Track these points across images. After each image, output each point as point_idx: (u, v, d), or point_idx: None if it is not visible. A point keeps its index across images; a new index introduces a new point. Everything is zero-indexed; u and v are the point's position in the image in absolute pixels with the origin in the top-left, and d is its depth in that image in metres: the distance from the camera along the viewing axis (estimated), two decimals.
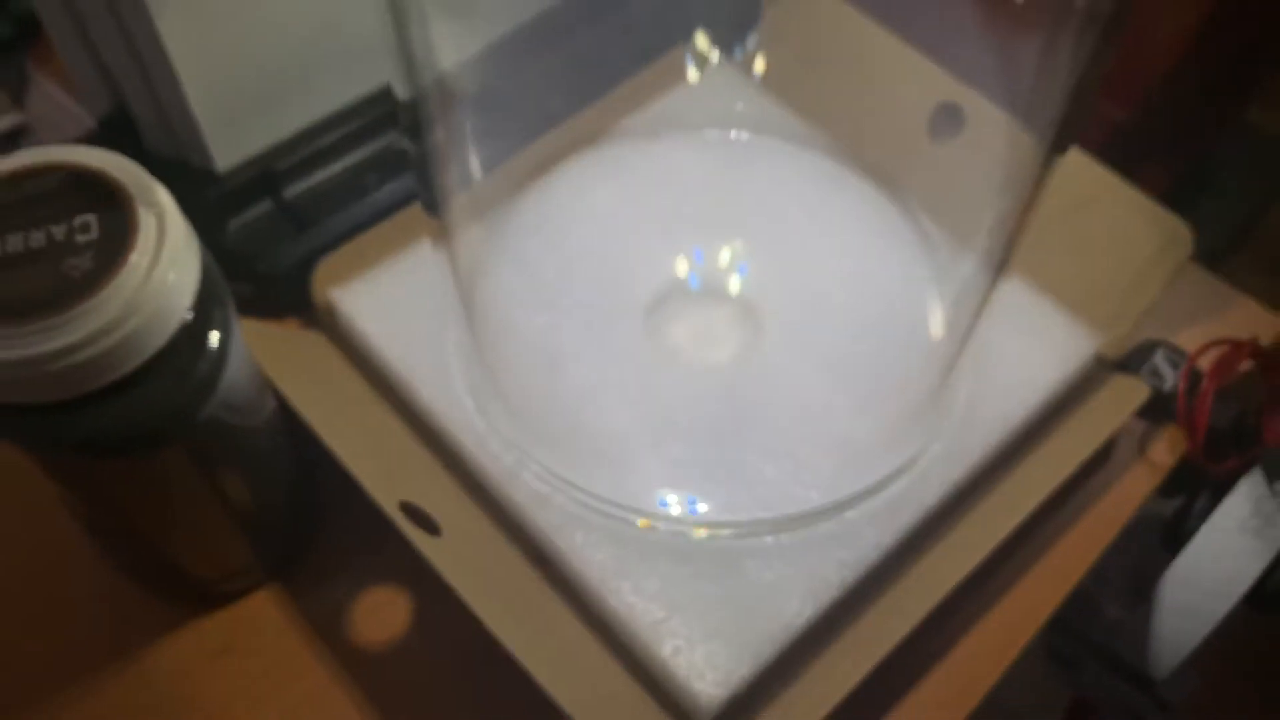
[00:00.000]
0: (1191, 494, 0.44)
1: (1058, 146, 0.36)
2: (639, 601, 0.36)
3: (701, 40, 0.50)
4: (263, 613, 0.39)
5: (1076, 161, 0.45)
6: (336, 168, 0.47)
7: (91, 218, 0.30)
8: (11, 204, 0.30)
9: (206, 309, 0.33)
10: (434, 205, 0.40)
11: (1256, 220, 0.79)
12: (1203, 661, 0.44)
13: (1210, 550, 0.43)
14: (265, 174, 0.46)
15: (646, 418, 0.40)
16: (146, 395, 0.31)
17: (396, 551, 0.39)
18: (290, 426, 0.38)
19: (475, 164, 0.43)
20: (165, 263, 0.30)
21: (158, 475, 0.33)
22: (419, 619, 0.39)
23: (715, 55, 0.50)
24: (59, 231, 0.30)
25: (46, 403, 0.30)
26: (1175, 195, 0.45)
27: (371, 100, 0.48)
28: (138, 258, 0.30)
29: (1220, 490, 0.43)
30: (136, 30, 0.40)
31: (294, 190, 0.46)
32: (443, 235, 0.40)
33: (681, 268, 0.44)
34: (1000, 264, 0.39)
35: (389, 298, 0.43)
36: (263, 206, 0.46)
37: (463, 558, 0.36)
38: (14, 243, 0.30)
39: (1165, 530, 0.44)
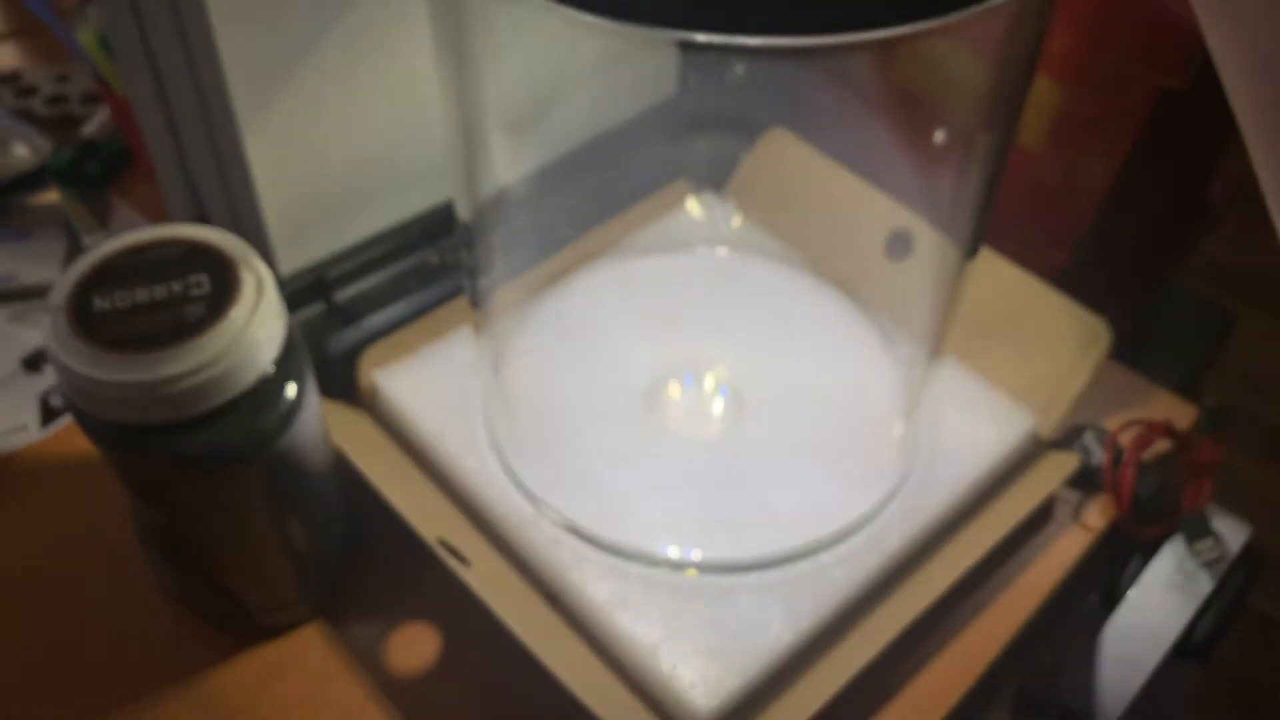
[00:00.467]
0: (1124, 557, 0.50)
1: (970, 252, 0.45)
2: (640, 627, 0.42)
3: (692, 177, 0.60)
4: (307, 643, 0.44)
5: (1012, 274, 0.53)
6: (381, 275, 0.55)
7: (205, 277, 0.38)
8: (143, 265, 0.38)
9: (288, 365, 0.39)
10: (476, 301, 0.48)
11: (1199, 377, 0.87)
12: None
13: (1142, 606, 0.48)
14: (320, 280, 0.53)
15: (646, 479, 0.47)
16: (233, 424, 0.38)
17: (427, 592, 0.45)
18: (342, 482, 0.45)
19: (509, 269, 0.51)
20: (258, 320, 0.38)
21: (233, 494, 0.39)
22: (446, 651, 0.44)
23: (704, 190, 0.59)
24: (178, 287, 0.37)
25: (160, 422, 0.36)
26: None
27: (413, 222, 0.56)
28: (238, 311, 0.37)
29: (1149, 553, 0.49)
30: (227, 155, 0.49)
31: (344, 294, 0.54)
32: (481, 325, 0.48)
33: (676, 359, 0.51)
34: (939, 350, 0.46)
35: (424, 378, 0.50)
36: (316, 306, 0.53)
37: (488, 587, 0.42)
38: (143, 294, 0.37)
39: (1103, 590, 0.50)
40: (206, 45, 0.44)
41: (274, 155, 0.49)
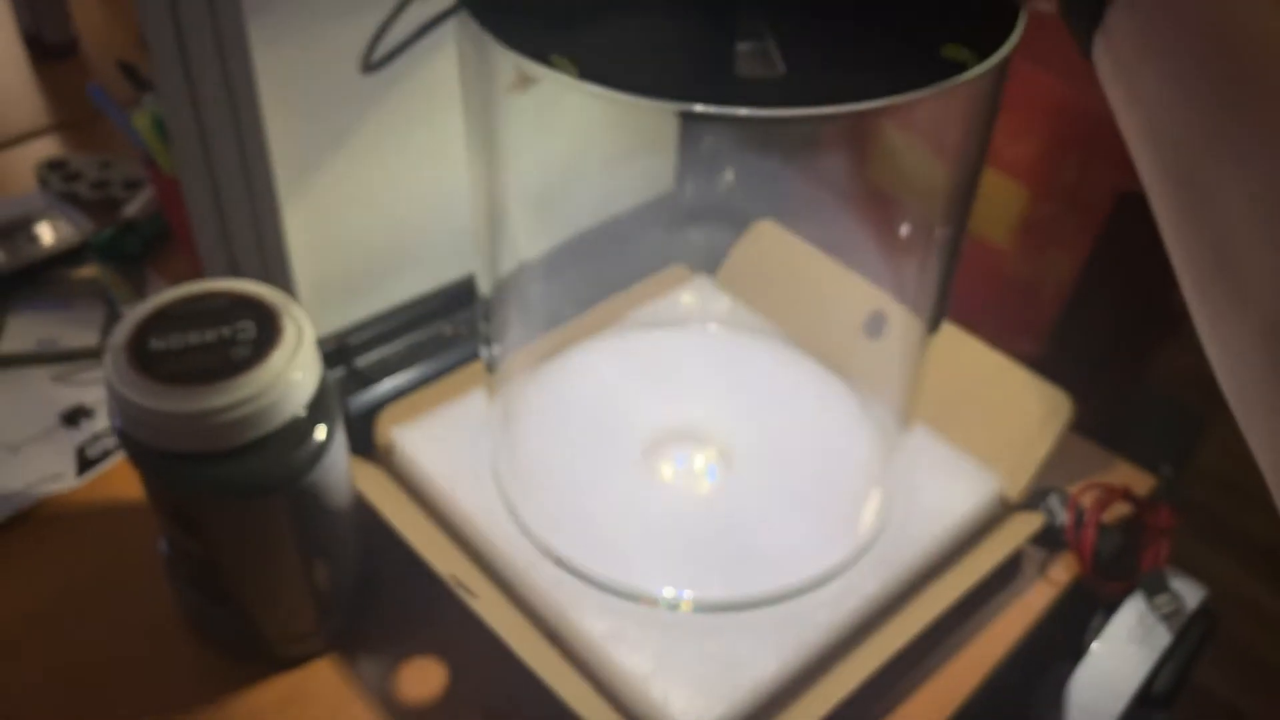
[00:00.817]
0: (1088, 613, 0.53)
1: (933, 327, 0.50)
2: (635, 659, 0.45)
3: (687, 262, 0.65)
4: (321, 674, 0.47)
5: (980, 350, 0.58)
6: (398, 344, 0.59)
7: (251, 324, 0.42)
8: (196, 312, 0.42)
9: (319, 409, 0.44)
10: (490, 365, 0.52)
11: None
12: None
13: (1105, 658, 0.52)
14: (342, 346, 0.58)
15: (643, 525, 0.50)
16: (267, 458, 0.42)
17: (435, 629, 0.49)
18: (360, 525, 0.48)
19: (521, 338, 0.56)
20: (296, 365, 0.42)
21: (263, 524, 0.43)
22: (453, 684, 0.47)
23: (698, 274, 0.64)
24: (227, 331, 0.42)
25: (204, 451, 0.40)
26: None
27: (430, 296, 0.60)
28: (279, 355, 0.41)
29: (1111, 609, 0.53)
30: (266, 231, 0.54)
31: (364, 359, 0.58)
32: (494, 387, 0.52)
33: (671, 420, 0.55)
34: (910, 416, 0.51)
35: (438, 435, 0.53)
36: (338, 370, 0.58)
37: (495, 621, 0.45)
38: (195, 337, 0.41)
39: (1070, 644, 0.53)
40: (255, 130, 0.49)
41: (309, 232, 0.53)
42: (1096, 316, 0.77)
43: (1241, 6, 0.26)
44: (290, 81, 0.48)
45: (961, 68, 0.33)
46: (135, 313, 0.42)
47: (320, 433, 0.44)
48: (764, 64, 0.33)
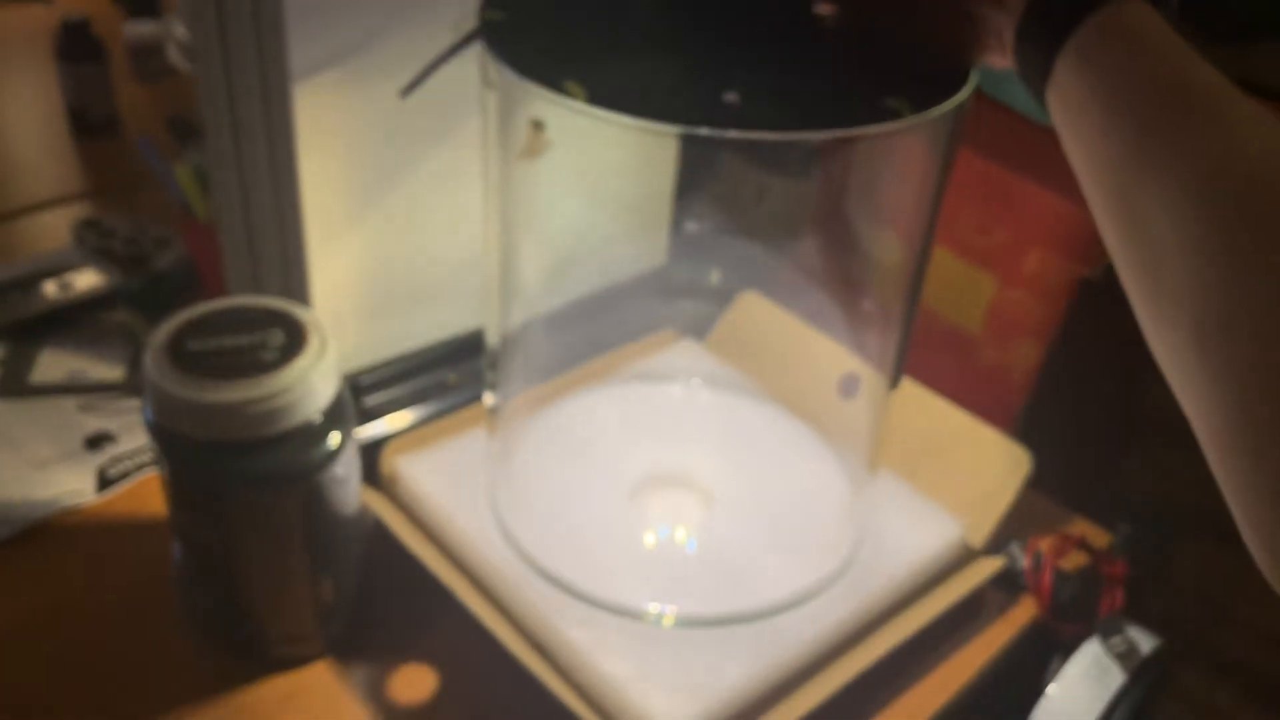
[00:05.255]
0: (1047, 656, 0.56)
1: (894, 384, 0.55)
2: (618, 666, 0.48)
3: (677, 328, 0.70)
4: (320, 675, 0.50)
5: (946, 409, 0.62)
6: (404, 388, 0.63)
7: (280, 333, 0.46)
8: (231, 321, 0.47)
9: (334, 417, 0.48)
10: (493, 408, 0.57)
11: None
12: None
13: (1062, 699, 0.54)
14: (353, 385, 0.62)
15: (629, 550, 0.54)
16: (284, 453, 0.46)
17: (427, 638, 0.51)
18: (363, 537, 0.52)
19: (523, 385, 0.60)
20: (318, 372, 0.46)
21: (276, 516, 0.46)
22: (443, 689, 0.50)
23: (686, 336, 0.69)
24: (258, 337, 0.46)
25: (229, 441, 0.44)
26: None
27: (436, 346, 0.65)
28: (303, 361, 0.46)
29: (1070, 650, 0.56)
30: (294, 276, 0.58)
31: (372, 398, 0.62)
32: (494, 427, 0.57)
33: (657, 460, 0.59)
34: (877, 464, 0.55)
35: (439, 466, 0.57)
36: None
37: (488, 626, 0.48)
38: (228, 340, 0.46)
39: (1030, 683, 0.55)
40: (291, 181, 0.55)
41: (332, 279, 0.58)
42: (1064, 407, 0.82)
43: (1162, 60, 0.32)
44: (326, 134, 0.54)
45: (898, 115, 0.39)
46: (175, 318, 0.46)
47: (334, 439, 0.47)
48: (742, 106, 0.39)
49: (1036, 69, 0.35)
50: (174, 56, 1.04)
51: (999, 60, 0.39)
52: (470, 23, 0.43)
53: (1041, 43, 0.35)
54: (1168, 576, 0.93)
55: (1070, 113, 0.34)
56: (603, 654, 0.48)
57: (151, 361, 0.45)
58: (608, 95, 0.37)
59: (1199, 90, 0.31)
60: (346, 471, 0.49)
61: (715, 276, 0.71)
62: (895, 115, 0.39)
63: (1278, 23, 0.73)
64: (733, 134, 0.36)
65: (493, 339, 0.56)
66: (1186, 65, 0.32)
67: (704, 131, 0.36)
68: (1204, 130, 0.30)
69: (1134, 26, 0.33)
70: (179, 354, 0.45)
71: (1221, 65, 0.33)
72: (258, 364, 0.45)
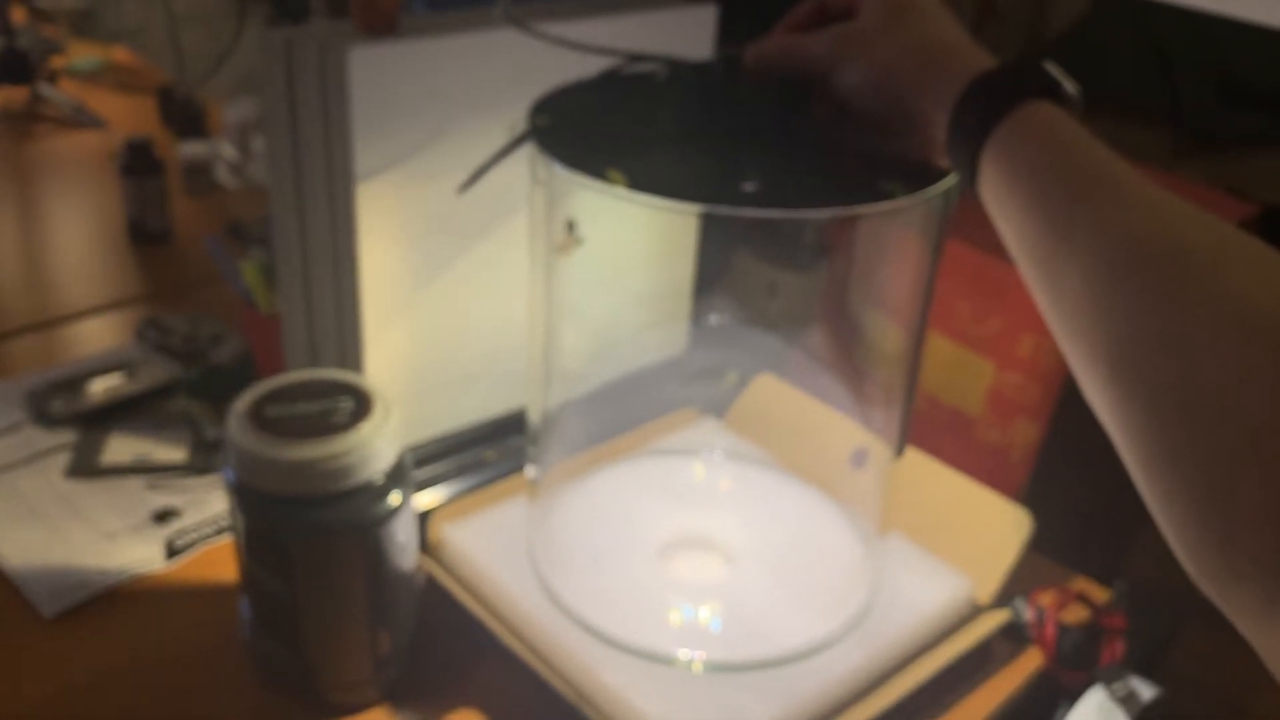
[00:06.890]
0: (1055, 700, 0.59)
1: (899, 452, 0.60)
2: (649, 706, 0.51)
3: (697, 408, 0.75)
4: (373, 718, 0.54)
5: (951, 476, 0.67)
6: (447, 463, 0.69)
7: (350, 401, 0.52)
8: (305, 390, 0.52)
9: (395, 477, 0.53)
10: (533, 478, 0.62)
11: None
12: None
13: None
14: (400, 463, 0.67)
15: (660, 603, 0.58)
16: (350, 508, 0.50)
17: (476, 689, 0.55)
18: (418, 593, 0.56)
19: (559, 457, 0.65)
20: (382, 436, 0.51)
21: (340, 565, 0.51)
22: None
23: (707, 415, 0.74)
24: (330, 404, 0.51)
25: (300, 495, 0.49)
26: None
27: (478, 426, 0.70)
28: (369, 425, 0.51)
29: (1075, 697, 0.59)
30: (349, 359, 0.64)
31: (420, 473, 0.67)
32: (533, 495, 0.62)
33: (683, 526, 0.64)
34: (883, 528, 0.60)
35: (484, 532, 0.62)
36: None
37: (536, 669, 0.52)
38: (302, 407, 0.51)
39: None
40: (351, 271, 0.61)
41: (385, 361, 0.64)
42: (1065, 485, 0.86)
43: (1068, 149, 0.38)
44: (385, 228, 0.60)
45: (892, 196, 0.45)
46: (256, 388, 0.52)
47: (395, 498, 0.52)
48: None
49: (965, 168, 0.42)
50: (222, 174, 1.12)
51: (945, 162, 0.45)
52: (521, 126, 0.49)
53: (967, 146, 0.41)
54: (1169, 667, 0.94)
55: (998, 200, 0.40)
56: (638, 696, 0.52)
57: (234, 425, 0.50)
58: (645, 182, 0.43)
59: (1096, 171, 0.37)
60: (404, 529, 0.54)
61: (732, 362, 0.76)
62: (890, 196, 0.45)
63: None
64: (748, 212, 0.42)
65: (534, 417, 0.62)
66: (1090, 151, 0.38)
67: (725, 210, 0.42)
68: (1102, 203, 0.36)
69: (1042, 123, 0.39)
70: (259, 418, 0.50)
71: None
72: (329, 426, 0.50)
